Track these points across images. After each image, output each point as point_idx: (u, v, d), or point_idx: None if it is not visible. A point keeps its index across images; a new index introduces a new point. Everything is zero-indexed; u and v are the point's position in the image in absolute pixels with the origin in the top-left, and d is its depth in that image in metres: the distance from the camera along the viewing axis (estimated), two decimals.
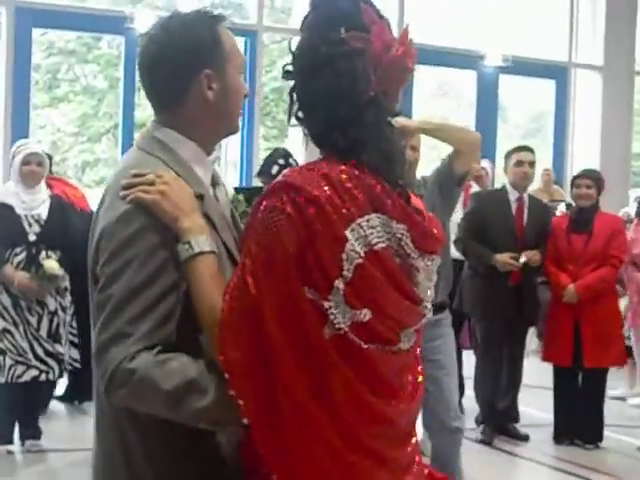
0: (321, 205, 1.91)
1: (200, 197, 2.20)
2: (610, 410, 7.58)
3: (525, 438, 7.49)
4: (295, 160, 6.61)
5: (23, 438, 6.73)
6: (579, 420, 7.36)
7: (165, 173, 2.16)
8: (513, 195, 7.39)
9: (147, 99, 2.35)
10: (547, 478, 6.83)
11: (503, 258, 7.05)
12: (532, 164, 7.44)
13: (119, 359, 1.99)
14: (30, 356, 6.45)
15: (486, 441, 7.27)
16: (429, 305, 2.12)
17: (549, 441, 7.42)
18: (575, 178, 7.45)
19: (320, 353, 1.93)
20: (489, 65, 12.82)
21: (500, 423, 7.53)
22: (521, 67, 13.39)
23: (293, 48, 2.12)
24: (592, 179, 7.33)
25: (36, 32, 12.04)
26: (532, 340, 8.66)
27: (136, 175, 2.14)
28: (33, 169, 6.60)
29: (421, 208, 2.13)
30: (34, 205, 6.60)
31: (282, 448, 1.95)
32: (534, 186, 10.51)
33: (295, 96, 2.12)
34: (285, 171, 2.05)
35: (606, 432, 7.37)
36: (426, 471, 2.23)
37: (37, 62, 18.74)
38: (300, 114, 2.13)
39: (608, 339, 7.26)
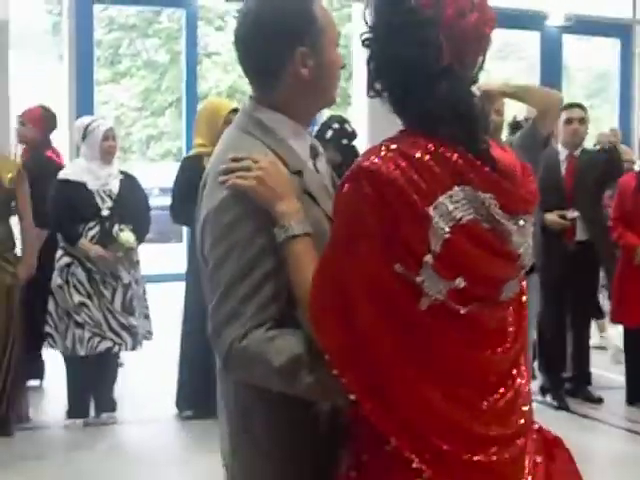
0: (399, 186, 1.92)
1: (298, 173, 2.24)
2: None
3: (599, 401, 7.45)
4: (351, 126, 6.61)
5: (99, 410, 6.82)
6: None
7: (261, 157, 2.18)
8: (563, 154, 7.34)
9: (244, 74, 2.37)
10: (620, 440, 6.77)
11: (552, 216, 7.00)
12: (582, 121, 7.32)
13: (232, 338, 2.10)
14: (104, 328, 6.52)
15: (560, 405, 7.25)
16: (528, 258, 2.12)
17: (623, 403, 7.39)
18: None
19: (417, 325, 1.96)
20: (552, 25, 12.68)
21: (570, 388, 7.51)
22: (584, 26, 13.21)
23: (367, 18, 2.10)
24: None
25: (97, 8, 12.08)
26: (604, 301, 8.57)
27: (234, 160, 2.18)
28: (112, 144, 6.69)
29: (511, 168, 2.11)
30: (109, 180, 6.67)
31: (389, 414, 1.98)
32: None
33: (372, 67, 2.11)
34: (365, 151, 2.05)
35: None
36: (536, 426, 2.27)
37: (98, 38, 18.84)
38: (377, 85, 2.11)
39: None
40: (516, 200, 2.05)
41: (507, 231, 2.03)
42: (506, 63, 24.54)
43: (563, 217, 6.99)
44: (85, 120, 6.89)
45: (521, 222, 2.07)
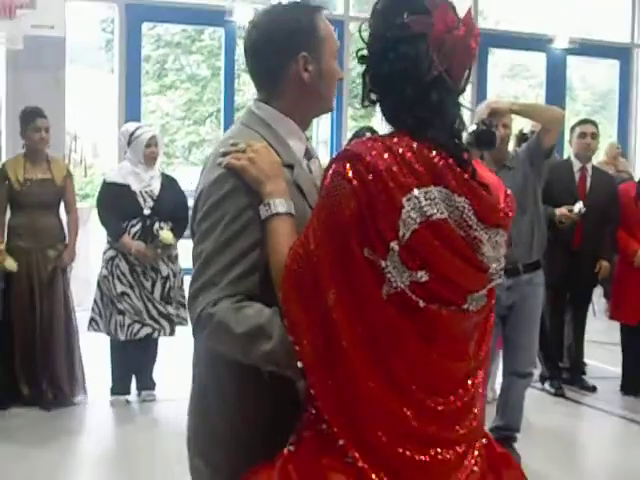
0: (379, 173, 1.89)
1: (290, 167, 2.23)
2: None
3: (592, 389, 7.43)
4: None
5: (139, 389, 6.86)
6: None
7: (256, 142, 2.20)
8: (576, 166, 7.29)
9: (250, 79, 2.39)
10: (612, 425, 6.76)
11: (561, 210, 6.93)
12: (594, 136, 7.29)
13: (203, 304, 2.09)
14: (145, 316, 6.55)
15: (557, 392, 7.24)
16: (497, 274, 2.06)
17: (616, 392, 7.35)
18: None
19: (376, 311, 1.93)
20: (557, 47, 12.65)
21: (567, 377, 7.50)
22: (587, 49, 13.18)
23: (363, 35, 2.09)
24: None
25: (145, 26, 12.15)
26: (600, 300, 8.55)
27: (232, 145, 2.20)
28: (154, 150, 6.70)
29: (489, 182, 2.05)
30: (151, 182, 6.67)
31: (332, 392, 1.96)
32: (601, 158, 10.40)
33: (367, 79, 2.10)
34: (353, 141, 2.06)
35: None
36: (484, 441, 2.17)
37: (147, 53, 18.91)
38: (373, 96, 2.10)
39: None
40: (490, 209, 2.01)
41: (479, 239, 1.98)
42: (515, 81, 24.44)
43: (571, 211, 6.96)
44: (130, 127, 6.89)
45: (495, 236, 2.03)
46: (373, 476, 1.92)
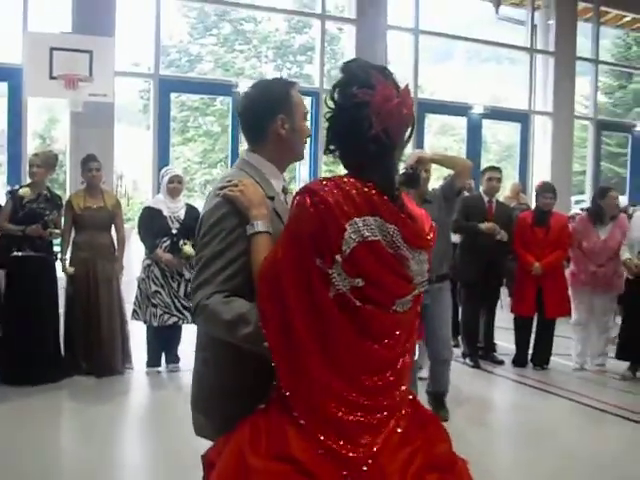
0: (329, 204, 1.91)
1: (271, 198, 2.25)
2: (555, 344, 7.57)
3: (501, 362, 7.48)
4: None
5: (167, 362, 6.85)
6: (535, 351, 7.42)
7: (245, 179, 2.22)
8: (485, 199, 7.37)
9: (242, 134, 2.41)
10: (513, 389, 6.81)
11: (486, 225, 7.12)
12: (499, 180, 7.39)
13: (200, 297, 2.12)
14: (172, 308, 6.54)
15: (475, 365, 7.27)
16: (421, 284, 2.08)
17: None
18: (541, 192, 7.38)
19: (324, 307, 1.94)
20: (475, 112, 12.78)
21: (481, 354, 7.53)
22: (497, 114, 13.37)
23: (328, 102, 2.10)
24: (552, 191, 7.31)
25: (173, 95, 12.16)
26: (506, 298, 8.60)
27: (228, 181, 2.22)
28: (176, 186, 6.69)
29: (416, 214, 2.07)
30: (176, 210, 6.65)
31: (288, 367, 1.98)
32: (506, 194, 10.48)
33: (328, 133, 2.11)
34: (313, 179, 2.07)
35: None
36: (410, 397, 2.16)
37: (173, 115, 18.88)
38: (331, 146, 2.11)
39: (561, 298, 7.26)
40: (415, 234, 2.01)
41: (405, 257, 1.99)
42: (444, 137, 24.65)
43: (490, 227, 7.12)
44: (163, 170, 6.96)
45: (419, 256, 2.04)
46: (313, 429, 1.94)
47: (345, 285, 1.93)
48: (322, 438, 1.93)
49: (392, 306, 2.01)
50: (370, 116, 1.98)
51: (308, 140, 2.43)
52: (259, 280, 2.01)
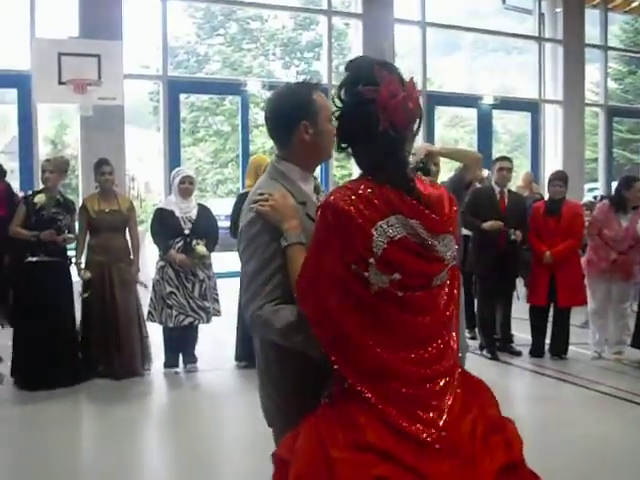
0: (351, 215, 1.97)
1: (303, 203, 2.30)
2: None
3: (519, 353, 7.43)
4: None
5: (185, 363, 6.85)
6: (552, 341, 7.37)
7: (276, 192, 2.26)
8: (497, 190, 7.32)
9: (272, 141, 2.44)
10: (531, 379, 6.77)
11: (489, 224, 7.04)
12: (509, 170, 7.34)
13: (253, 310, 2.22)
14: (187, 309, 6.54)
15: (492, 357, 7.24)
16: (453, 258, 2.15)
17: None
18: (551, 179, 7.36)
19: (368, 303, 2.01)
20: (485, 103, 12.73)
21: (499, 345, 7.48)
22: (507, 104, 13.31)
23: (335, 100, 2.13)
24: (562, 179, 7.28)
25: (182, 96, 12.19)
26: (521, 289, 8.56)
27: (260, 194, 2.27)
28: (187, 187, 6.69)
29: (434, 196, 2.11)
30: (188, 210, 6.66)
31: (347, 361, 2.04)
32: (518, 184, 10.44)
33: (338, 132, 2.16)
34: (333, 189, 2.08)
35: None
36: (459, 370, 2.23)
37: (184, 116, 18.95)
38: (343, 144, 2.15)
39: (575, 287, 7.20)
40: (437, 225, 2.06)
41: (432, 244, 2.05)
42: (454, 129, 24.57)
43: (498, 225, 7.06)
44: (174, 171, 6.98)
45: (444, 239, 2.09)
46: (380, 407, 1.99)
47: (384, 282, 2.00)
48: (390, 416, 1.99)
49: (431, 283, 2.10)
50: (377, 113, 2.01)
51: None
52: (298, 290, 2.09)
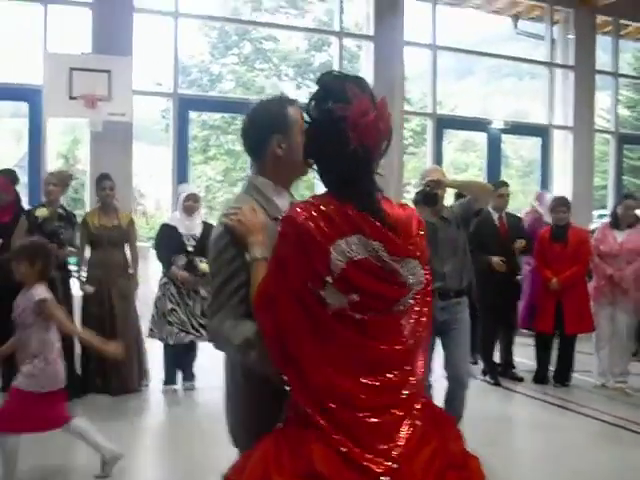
0: (309, 230, 1.91)
1: (276, 219, 2.22)
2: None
3: (520, 379, 7.39)
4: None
5: (184, 380, 6.84)
6: (556, 368, 7.32)
7: (246, 206, 2.22)
8: (495, 215, 7.38)
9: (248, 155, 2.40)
10: (534, 407, 6.68)
11: (494, 259, 7.04)
12: (507, 195, 7.45)
13: (216, 324, 2.19)
14: (188, 326, 6.53)
15: (495, 383, 7.18)
16: (418, 283, 2.06)
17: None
18: (554, 206, 7.33)
19: (324, 324, 1.94)
20: (495, 128, 12.68)
21: (501, 370, 7.44)
22: (517, 129, 13.24)
23: (305, 117, 2.10)
24: (565, 205, 7.27)
25: (193, 114, 12.22)
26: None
27: (231, 208, 2.24)
28: (191, 204, 6.72)
29: (400, 218, 2.04)
30: (192, 227, 6.68)
31: (301, 383, 1.96)
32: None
33: (306, 148, 2.11)
34: (295, 203, 2.04)
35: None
36: (423, 400, 2.10)
37: (195, 134, 19.01)
38: (309, 160, 2.11)
39: (581, 314, 7.14)
40: (400, 248, 2.00)
41: (394, 268, 1.98)
42: (465, 154, 24.57)
43: (503, 262, 7.01)
44: (179, 188, 7.00)
45: (408, 263, 2.02)
46: (332, 434, 1.90)
47: (342, 302, 1.93)
48: (341, 445, 1.90)
49: (393, 308, 2.02)
50: (347, 131, 1.95)
51: None
52: (255, 307, 2.02)
